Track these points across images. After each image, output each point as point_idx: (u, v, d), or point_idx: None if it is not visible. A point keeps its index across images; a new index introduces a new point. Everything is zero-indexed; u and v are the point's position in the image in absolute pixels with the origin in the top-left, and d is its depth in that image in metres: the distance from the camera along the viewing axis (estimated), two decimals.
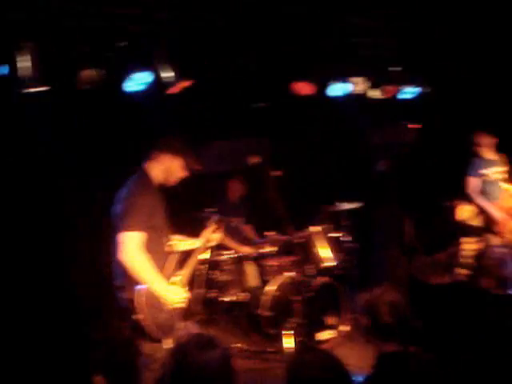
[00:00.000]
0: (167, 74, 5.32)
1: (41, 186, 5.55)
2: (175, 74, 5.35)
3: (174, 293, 4.03)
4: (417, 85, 6.91)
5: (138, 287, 3.88)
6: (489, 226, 6.57)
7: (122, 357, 2.71)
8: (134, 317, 3.86)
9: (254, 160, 4.58)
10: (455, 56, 6.84)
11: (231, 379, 2.37)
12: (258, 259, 6.68)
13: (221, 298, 6.30)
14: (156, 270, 3.95)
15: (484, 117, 7.22)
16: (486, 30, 6.24)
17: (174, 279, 4.14)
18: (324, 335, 5.95)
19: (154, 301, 3.93)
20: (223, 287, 6.35)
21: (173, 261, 4.23)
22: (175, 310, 4.06)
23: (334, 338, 6.02)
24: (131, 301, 3.87)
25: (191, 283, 4.61)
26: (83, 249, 6.12)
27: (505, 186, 6.75)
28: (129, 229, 3.89)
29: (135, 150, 5.94)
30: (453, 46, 6.72)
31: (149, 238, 3.99)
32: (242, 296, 6.31)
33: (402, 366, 2.60)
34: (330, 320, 6.05)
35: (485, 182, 6.76)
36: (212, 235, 4.75)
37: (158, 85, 5.32)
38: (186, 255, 4.65)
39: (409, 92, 6.88)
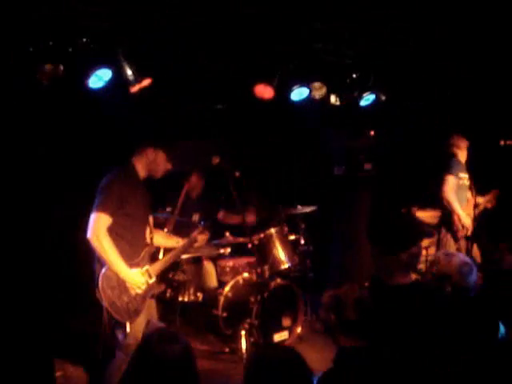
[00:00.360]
0: (128, 72, 5.31)
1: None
2: (136, 72, 5.33)
3: (133, 276, 4.22)
4: (376, 92, 6.99)
5: (102, 271, 4.11)
6: (449, 227, 6.68)
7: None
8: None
9: (216, 160, 4.63)
10: (415, 64, 6.98)
11: (192, 373, 2.40)
12: (215, 259, 6.71)
13: (177, 298, 6.29)
14: (119, 254, 4.13)
15: (442, 125, 7.40)
16: (446, 34, 6.37)
17: (142, 269, 4.34)
18: (279, 336, 6.00)
19: (114, 283, 4.15)
20: (180, 287, 6.34)
21: (148, 253, 4.48)
22: (136, 293, 4.24)
23: (288, 339, 6.08)
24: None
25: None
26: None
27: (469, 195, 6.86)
28: (97, 209, 4.12)
29: (96, 147, 5.96)
30: (412, 54, 6.86)
31: (123, 225, 4.23)
32: (198, 296, 6.31)
33: (362, 361, 2.66)
34: (286, 322, 6.10)
35: (459, 187, 6.68)
36: (198, 237, 5.03)
37: (120, 83, 5.30)
38: (164, 251, 4.84)
39: (369, 98, 6.97)
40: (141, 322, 4.26)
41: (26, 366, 4.63)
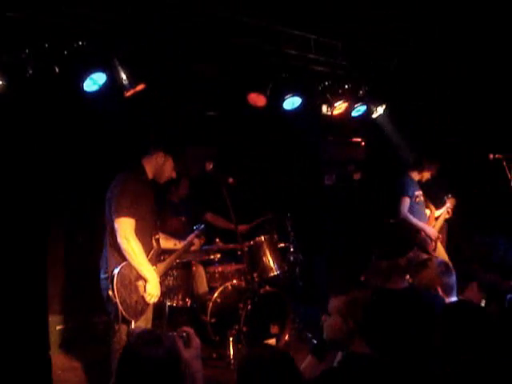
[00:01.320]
0: (123, 77, 5.34)
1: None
2: (130, 77, 5.36)
3: (155, 285, 4.36)
4: (367, 102, 7.05)
5: (115, 269, 4.19)
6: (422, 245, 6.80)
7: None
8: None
9: (210, 166, 4.67)
10: (407, 76, 7.07)
11: (177, 376, 2.42)
12: (205, 265, 6.72)
13: (165, 303, 6.28)
14: (146, 256, 4.32)
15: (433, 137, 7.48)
16: (437, 46, 6.46)
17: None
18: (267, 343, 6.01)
19: (127, 282, 4.25)
20: (168, 292, 6.33)
21: (156, 254, 4.59)
22: (145, 294, 4.33)
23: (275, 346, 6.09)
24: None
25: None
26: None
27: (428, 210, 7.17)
28: (120, 214, 4.24)
29: (88, 150, 5.97)
30: (405, 66, 6.94)
31: (135, 228, 4.30)
32: (187, 301, 6.31)
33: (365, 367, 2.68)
34: (274, 329, 6.11)
35: (416, 204, 6.95)
36: (195, 241, 5.17)
37: (115, 87, 5.32)
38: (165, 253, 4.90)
39: (360, 109, 7.03)
40: (142, 321, 4.38)
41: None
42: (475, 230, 7.31)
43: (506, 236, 6.94)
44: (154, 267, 4.48)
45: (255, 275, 6.21)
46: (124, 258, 4.27)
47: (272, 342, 6.02)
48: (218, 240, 6.64)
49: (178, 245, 5.09)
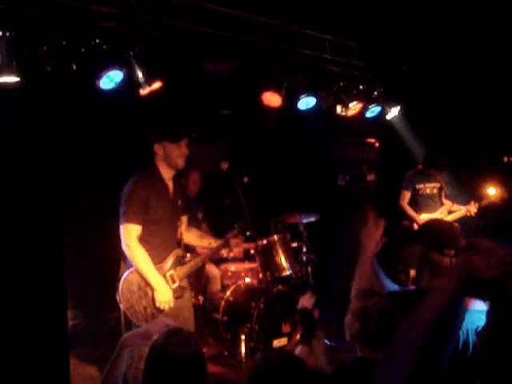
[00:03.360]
0: (139, 75, 5.37)
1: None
2: (147, 75, 5.39)
3: (165, 290, 4.24)
4: (382, 103, 7.06)
5: (123, 275, 4.18)
6: None
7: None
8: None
9: (225, 165, 4.65)
10: (421, 77, 7.07)
11: (202, 376, 2.44)
12: (218, 264, 6.75)
13: None
14: (152, 263, 4.21)
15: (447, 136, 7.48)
16: (451, 47, 6.46)
17: (166, 275, 4.34)
18: (279, 342, 6.02)
19: (134, 288, 4.20)
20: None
21: (175, 257, 4.45)
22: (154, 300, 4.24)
23: (287, 345, 6.10)
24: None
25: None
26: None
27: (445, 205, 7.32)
28: (124, 220, 4.18)
29: (104, 147, 6.00)
30: (419, 67, 6.95)
31: (149, 230, 4.27)
32: (199, 299, 6.34)
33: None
34: (286, 328, 6.12)
35: (420, 196, 7.34)
36: (231, 240, 4.98)
37: (131, 85, 5.35)
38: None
39: (374, 110, 7.03)
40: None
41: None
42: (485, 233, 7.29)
43: None
44: (172, 271, 4.36)
45: (268, 274, 6.22)
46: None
47: (283, 341, 6.03)
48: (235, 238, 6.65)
49: (213, 244, 4.89)
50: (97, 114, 5.99)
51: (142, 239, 4.24)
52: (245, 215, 5.05)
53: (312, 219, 7.33)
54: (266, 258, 6.33)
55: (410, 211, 7.27)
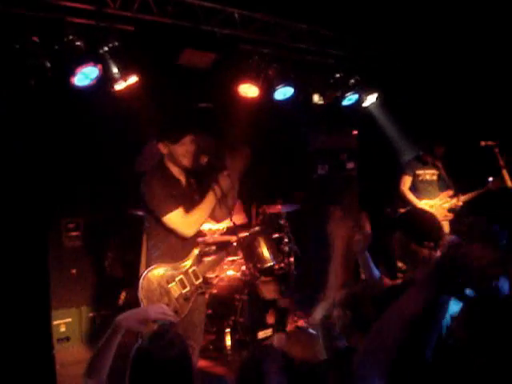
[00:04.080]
0: (114, 70, 5.33)
1: None
2: (122, 70, 5.35)
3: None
4: (359, 91, 7.08)
5: (143, 274, 4.15)
6: None
7: None
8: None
9: (204, 159, 4.61)
10: (399, 64, 7.09)
11: (188, 377, 2.44)
12: (200, 256, 6.73)
13: None
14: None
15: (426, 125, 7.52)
16: (429, 37, 6.49)
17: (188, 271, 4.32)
18: (264, 334, 6.03)
19: (155, 285, 4.14)
20: None
21: (198, 253, 4.44)
22: (178, 294, 4.21)
23: (272, 336, 6.12)
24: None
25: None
26: None
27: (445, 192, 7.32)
28: (163, 214, 4.13)
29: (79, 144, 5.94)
30: (395, 55, 6.97)
31: (166, 230, 4.20)
32: None
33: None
34: (270, 319, 6.14)
35: (420, 182, 7.32)
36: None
37: (106, 81, 5.31)
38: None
39: (351, 98, 7.05)
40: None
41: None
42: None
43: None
44: (195, 267, 4.32)
45: (251, 266, 6.23)
46: (151, 261, 4.22)
47: (268, 332, 6.05)
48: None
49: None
50: (73, 110, 5.92)
51: (160, 237, 4.23)
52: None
53: (293, 209, 7.34)
54: (249, 249, 6.33)
55: (411, 196, 7.26)
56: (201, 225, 4.32)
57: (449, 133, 7.25)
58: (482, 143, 6.62)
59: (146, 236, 4.42)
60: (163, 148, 4.28)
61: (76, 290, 6.52)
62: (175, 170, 4.37)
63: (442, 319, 2.63)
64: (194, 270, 4.33)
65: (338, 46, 6.89)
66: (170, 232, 4.21)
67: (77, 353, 6.14)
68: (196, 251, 4.40)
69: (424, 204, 7.11)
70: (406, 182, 7.30)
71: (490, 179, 6.86)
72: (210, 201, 4.30)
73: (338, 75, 6.99)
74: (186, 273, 4.27)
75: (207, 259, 4.53)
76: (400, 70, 7.24)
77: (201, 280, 4.34)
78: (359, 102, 7.19)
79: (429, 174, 7.37)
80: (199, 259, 4.42)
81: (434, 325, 2.39)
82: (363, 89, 7.12)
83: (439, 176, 7.36)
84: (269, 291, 5.92)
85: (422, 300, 1.81)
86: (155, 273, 4.18)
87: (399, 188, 7.29)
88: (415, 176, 7.33)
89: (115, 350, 2.67)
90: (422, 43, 6.72)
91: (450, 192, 7.29)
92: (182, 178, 4.43)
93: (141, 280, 4.14)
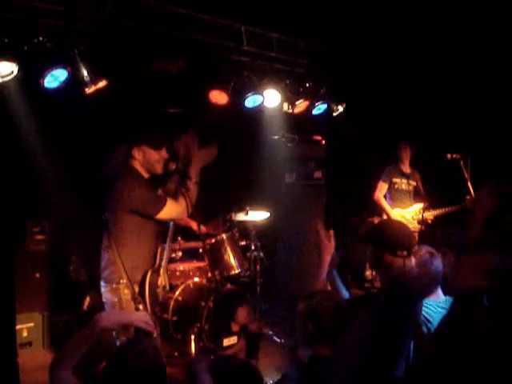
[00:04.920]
0: (84, 73, 5.28)
1: None
2: (92, 73, 5.30)
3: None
4: (328, 101, 7.13)
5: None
6: None
7: None
8: None
9: (172, 166, 4.63)
10: (368, 73, 7.17)
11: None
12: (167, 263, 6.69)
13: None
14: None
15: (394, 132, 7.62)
16: (398, 44, 6.57)
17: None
18: (228, 341, 6.01)
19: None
20: None
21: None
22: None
23: (237, 344, 6.11)
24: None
25: None
26: None
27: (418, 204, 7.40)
28: (157, 211, 4.45)
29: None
30: (365, 64, 7.04)
31: (134, 222, 4.39)
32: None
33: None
34: (235, 327, 6.12)
35: (395, 190, 7.50)
36: None
37: (76, 83, 5.26)
38: None
39: (321, 108, 7.09)
40: None
41: None
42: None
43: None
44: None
45: (216, 273, 6.20)
46: (135, 265, 4.40)
47: (233, 339, 6.03)
48: (179, 238, 6.63)
49: None
50: (42, 113, 5.85)
51: (132, 233, 4.38)
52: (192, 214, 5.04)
53: (260, 217, 7.34)
54: (215, 256, 6.31)
55: (385, 204, 7.37)
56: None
57: (417, 145, 7.36)
58: (448, 156, 6.74)
59: (109, 238, 4.41)
60: (138, 153, 4.32)
61: (39, 295, 6.44)
62: (143, 171, 4.49)
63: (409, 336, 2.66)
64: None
65: (309, 55, 6.94)
66: (143, 228, 4.43)
67: (39, 358, 6.04)
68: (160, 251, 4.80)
69: (396, 212, 7.21)
70: (382, 188, 7.44)
71: (468, 197, 6.93)
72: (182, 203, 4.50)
73: (308, 84, 7.03)
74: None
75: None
76: (369, 79, 7.32)
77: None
78: (328, 111, 7.24)
79: (405, 184, 7.49)
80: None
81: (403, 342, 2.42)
82: (332, 99, 7.18)
83: (415, 188, 7.46)
84: (241, 316, 5.94)
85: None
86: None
87: (374, 194, 7.42)
88: (391, 184, 7.47)
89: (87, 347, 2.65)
90: (391, 53, 6.81)
91: (423, 204, 7.36)
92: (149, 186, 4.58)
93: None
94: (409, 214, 7.36)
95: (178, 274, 6.53)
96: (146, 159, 4.39)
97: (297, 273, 7.72)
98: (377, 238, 3.31)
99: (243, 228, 7.21)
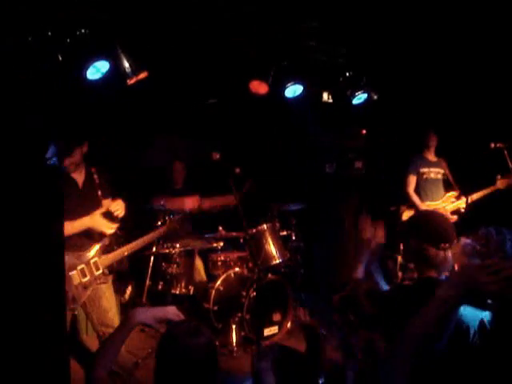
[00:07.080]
0: (126, 65, 5.33)
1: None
2: (133, 64, 5.35)
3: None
4: (368, 91, 7.05)
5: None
6: None
7: None
8: None
9: (216, 156, 4.64)
10: (408, 64, 7.06)
11: (215, 366, 2.42)
12: (208, 253, 6.75)
13: (169, 290, 6.33)
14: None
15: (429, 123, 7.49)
16: (433, 36, 6.45)
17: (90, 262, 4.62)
18: (269, 331, 6.04)
19: None
20: (172, 280, 6.38)
21: (102, 246, 4.72)
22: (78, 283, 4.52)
23: (278, 334, 6.13)
24: None
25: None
26: None
27: (450, 193, 7.19)
28: None
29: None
30: (405, 54, 6.93)
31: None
32: (189, 289, 6.35)
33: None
34: (276, 316, 6.14)
35: (424, 181, 7.24)
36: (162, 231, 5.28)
37: (117, 75, 5.31)
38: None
39: (361, 97, 7.02)
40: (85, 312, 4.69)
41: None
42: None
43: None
44: (96, 259, 4.62)
45: (258, 263, 6.23)
46: None
47: (274, 329, 6.06)
48: (220, 228, 6.67)
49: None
50: (84, 104, 5.93)
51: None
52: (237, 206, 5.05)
53: (300, 207, 7.33)
54: (256, 246, 6.34)
55: (415, 198, 7.16)
56: None
57: (459, 134, 7.23)
58: (492, 145, 6.62)
59: None
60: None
61: None
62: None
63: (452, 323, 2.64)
64: (95, 261, 4.61)
65: (348, 45, 6.87)
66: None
67: None
68: (99, 244, 4.67)
69: (427, 206, 7.06)
70: (411, 182, 7.23)
71: (498, 177, 6.81)
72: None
73: (348, 74, 6.97)
74: (87, 263, 4.56)
75: (110, 253, 4.78)
76: (408, 68, 7.21)
77: (101, 271, 4.63)
78: (369, 101, 7.16)
79: (433, 173, 7.29)
80: (102, 251, 4.69)
81: (447, 327, 2.42)
82: (373, 88, 7.10)
83: (444, 176, 7.31)
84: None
85: (442, 312, 1.89)
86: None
87: (405, 189, 7.23)
88: (419, 174, 7.24)
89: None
90: (432, 43, 6.70)
91: (455, 193, 7.23)
92: (79, 178, 4.77)
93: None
94: (441, 205, 7.15)
95: (219, 263, 6.58)
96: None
97: (336, 264, 7.69)
98: (420, 231, 3.24)
99: (284, 218, 7.21)
